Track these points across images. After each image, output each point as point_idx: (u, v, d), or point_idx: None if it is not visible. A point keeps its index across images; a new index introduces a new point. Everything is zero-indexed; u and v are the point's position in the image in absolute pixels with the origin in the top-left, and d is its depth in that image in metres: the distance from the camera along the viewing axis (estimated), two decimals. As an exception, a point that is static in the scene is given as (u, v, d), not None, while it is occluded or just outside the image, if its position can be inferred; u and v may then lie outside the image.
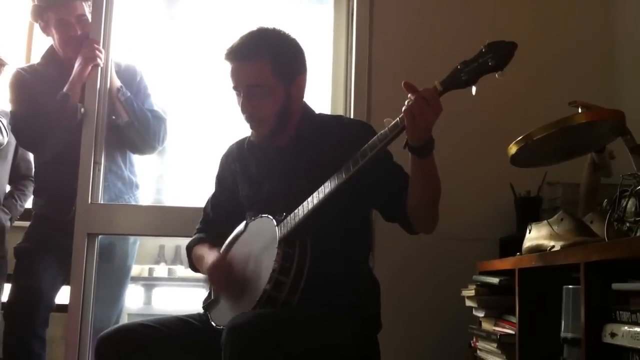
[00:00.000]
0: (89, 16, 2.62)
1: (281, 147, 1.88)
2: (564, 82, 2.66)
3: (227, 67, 1.84)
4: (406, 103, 1.58)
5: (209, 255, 1.86)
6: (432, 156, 1.65)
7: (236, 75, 1.83)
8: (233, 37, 1.86)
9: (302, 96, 1.91)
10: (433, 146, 1.64)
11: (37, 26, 2.74)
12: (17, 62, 3.22)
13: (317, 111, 1.99)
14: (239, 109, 1.85)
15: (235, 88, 1.84)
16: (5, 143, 3.05)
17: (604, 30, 2.75)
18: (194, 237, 2.05)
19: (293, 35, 1.89)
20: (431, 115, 1.56)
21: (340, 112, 2.72)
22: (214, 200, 2.08)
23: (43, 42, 2.87)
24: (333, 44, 2.79)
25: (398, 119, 1.61)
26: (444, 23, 2.73)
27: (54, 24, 2.61)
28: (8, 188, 3.22)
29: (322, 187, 1.70)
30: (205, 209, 2.10)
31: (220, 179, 2.08)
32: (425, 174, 1.68)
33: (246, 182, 1.97)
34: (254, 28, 1.87)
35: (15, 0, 3.90)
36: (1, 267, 3.03)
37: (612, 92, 2.64)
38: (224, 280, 1.82)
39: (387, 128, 1.65)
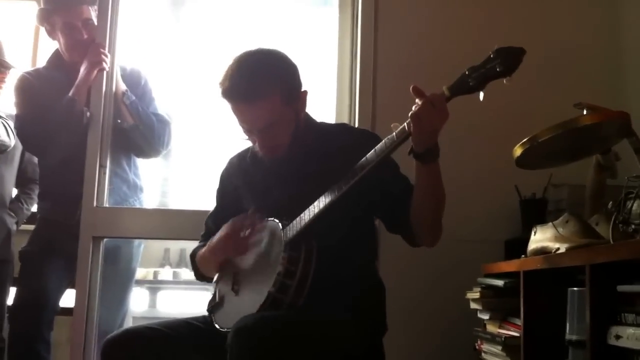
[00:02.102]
0: (95, 20, 2.63)
1: (287, 156, 1.86)
2: (569, 84, 2.66)
3: (227, 104, 1.78)
4: (413, 108, 1.58)
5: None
6: (437, 164, 1.65)
7: (245, 118, 1.78)
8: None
9: (305, 107, 1.90)
10: (438, 153, 1.64)
11: (43, 30, 2.74)
12: (22, 66, 3.21)
13: (319, 119, 1.98)
14: (251, 142, 1.84)
15: (247, 130, 1.81)
16: (11, 146, 3.05)
17: (610, 31, 2.74)
18: (196, 247, 2.04)
19: (283, 51, 1.84)
20: (438, 120, 1.57)
21: (345, 115, 2.72)
22: (216, 215, 2.06)
23: (49, 46, 2.87)
24: (338, 46, 2.79)
25: (405, 124, 1.61)
26: (449, 26, 2.72)
27: (60, 28, 2.61)
28: (15, 192, 3.23)
29: (329, 191, 1.70)
30: (206, 223, 2.08)
31: (222, 194, 2.06)
32: (430, 182, 1.67)
33: (250, 193, 1.95)
34: (241, 55, 1.79)
35: (22, 4, 3.91)
36: (7, 270, 3.03)
37: (618, 93, 2.63)
38: (238, 247, 1.82)
39: (394, 133, 1.64)
